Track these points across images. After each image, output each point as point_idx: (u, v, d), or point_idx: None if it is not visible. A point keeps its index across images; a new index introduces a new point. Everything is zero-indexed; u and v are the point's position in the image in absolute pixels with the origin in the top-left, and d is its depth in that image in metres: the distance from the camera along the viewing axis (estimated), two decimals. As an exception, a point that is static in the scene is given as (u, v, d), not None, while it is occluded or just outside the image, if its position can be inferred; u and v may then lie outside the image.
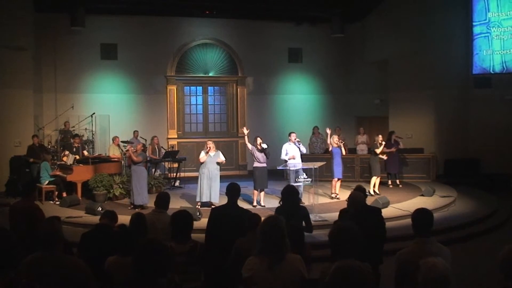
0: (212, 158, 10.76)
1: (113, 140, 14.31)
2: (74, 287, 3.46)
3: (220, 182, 10.76)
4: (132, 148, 11.15)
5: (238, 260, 4.41)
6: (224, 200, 5.96)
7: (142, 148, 11.46)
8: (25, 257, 3.51)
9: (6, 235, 2.93)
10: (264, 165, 10.92)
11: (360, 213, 5.37)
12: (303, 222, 5.94)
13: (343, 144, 12.03)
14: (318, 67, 18.06)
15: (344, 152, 11.98)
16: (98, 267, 4.22)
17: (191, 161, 15.69)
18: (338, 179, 11.99)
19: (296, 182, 10.21)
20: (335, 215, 8.10)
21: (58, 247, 3.61)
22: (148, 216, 5.49)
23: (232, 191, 5.78)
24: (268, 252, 3.55)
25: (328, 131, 12.21)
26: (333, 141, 11.90)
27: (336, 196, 11.94)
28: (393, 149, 13.48)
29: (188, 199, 11.97)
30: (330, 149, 11.98)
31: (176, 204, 11.13)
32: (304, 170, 10.64)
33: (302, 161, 11.23)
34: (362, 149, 15.47)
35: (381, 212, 5.98)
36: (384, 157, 13.00)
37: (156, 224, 5.50)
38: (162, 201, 5.80)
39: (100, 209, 10.03)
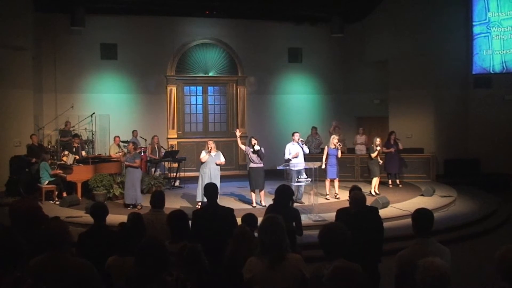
0: (213, 158, 10.77)
1: (114, 140, 14.34)
2: None
3: (220, 182, 10.75)
4: (126, 154, 11.09)
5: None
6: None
7: (134, 146, 11.49)
8: (31, 258, 3.45)
9: (9, 233, 2.92)
10: (260, 165, 10.88)
11: (359, 213, 5.36)
12: (294, 224, 5.85)
13: (341, 148, 11.98)
14: (318, 67, 18.05)
15: (339, 155, 11.90)
16: (96, 267, 4.22)
17: (191, 161, 15.69)
18: (332, 180, 11.96)
19: (297, 182, 10.20)
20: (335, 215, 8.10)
21: (66, 248, 3.58)
22: (146, 216, 5.47)
23: (210, 192, 5.79)
24: (268, 252, 3.55)
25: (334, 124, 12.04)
26: (332, 141, 11.88)
27: (335, 196, 11.92)
28: (391, 150, 13.47)
29: (188, 199, 11.96)
30: (326, 150, 11.91)
31: (176, 204, 11.12)
32: (304, 170, 10.62)
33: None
34: (360, 149, 15.39)
35: (378, 211, 5.99)
36: (379, 159, 12.79)
37: (154, 224, 5.48)
38: (157, 200, 5.77)
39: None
